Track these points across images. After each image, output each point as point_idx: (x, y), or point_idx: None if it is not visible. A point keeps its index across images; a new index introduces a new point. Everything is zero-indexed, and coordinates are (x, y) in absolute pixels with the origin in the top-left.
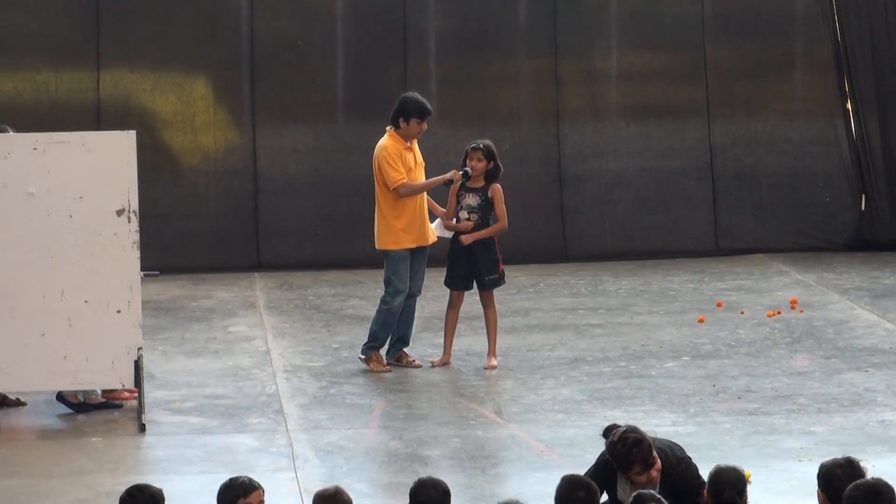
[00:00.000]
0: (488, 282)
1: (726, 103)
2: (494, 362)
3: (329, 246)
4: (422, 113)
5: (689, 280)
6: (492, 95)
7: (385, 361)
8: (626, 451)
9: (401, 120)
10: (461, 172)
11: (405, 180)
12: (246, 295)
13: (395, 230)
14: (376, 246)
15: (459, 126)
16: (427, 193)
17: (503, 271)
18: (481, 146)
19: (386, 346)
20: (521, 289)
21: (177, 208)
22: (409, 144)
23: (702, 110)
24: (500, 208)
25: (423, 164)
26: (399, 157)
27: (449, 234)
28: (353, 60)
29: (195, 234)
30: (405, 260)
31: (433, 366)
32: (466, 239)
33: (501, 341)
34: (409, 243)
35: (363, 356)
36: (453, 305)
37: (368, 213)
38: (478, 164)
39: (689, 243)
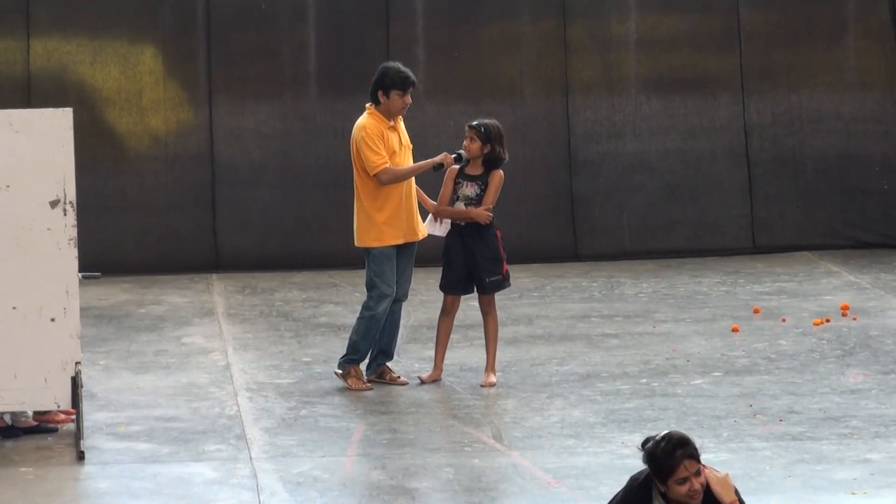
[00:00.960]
0: (489, 284)
1: (764, 74)
2: (493, 379)
3: (299, 243)
4: (404, 83)
5: (720, 282)
6: (489, 65)
7: (365, 377)
8: (670, 449)
9: (380, 93)
10: (454, 156)
11: (387, 165)
12: (202, 300)
13: (377, 224)
14: (356, 243)
15: (451, 101)
16: (416, 182)
17: (507, 272)
18: (475, 125)
19: (366, 360)
20: (523, 293)
21: (121, 200)
22: (392, 123)
23: (735, 82)
24: (489, 195)
25: (411, 145)
26: (380, 137)
27: (443, 233)
28: (327, 25)
29: (143, 229)
30: (390, 259)
31: (422, 382)
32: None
33: (502, 354)
34: (395, 239)
35: (340, 371)
36: (447, 312)
37: (345, 205)
38: (470, 146)
39: (720, 239)
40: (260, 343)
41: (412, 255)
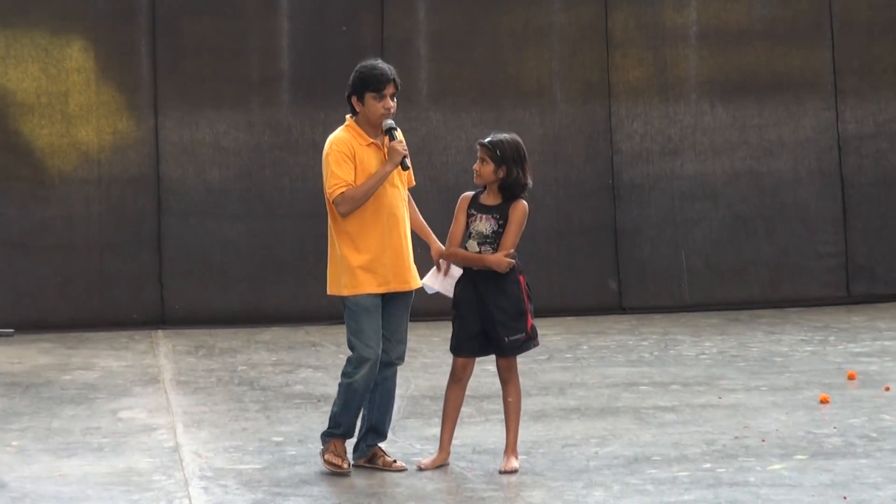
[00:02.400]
0: (509, 345)
1: (864, 73)
2: (515, 464)
3: (269, 290)
4: (378, 83)
5: (806, 340)
6: (511, 63)
7: (352, 459)
8: None
9: (354, 99)
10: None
11: (345, 189)
12: (144, 364)
13: (351, 267)
14: (328, 290)
15: (462, 108)
16: (416, 212)
17: (533, 329)
18: (487, 142)
19: (355, 438)
20: (554, 353)
21: (41, 236)
22: (374, 140)
23: (826, 85)
24: (509, 234)
25: (408, 169)
26: (350, 156)
27: (446, 290)
28: (304, 13)
29: (69, 272)
30: (370, 312)
31: (421, 469)
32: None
33: (526, 432)
34: (375, 286)
35: (322, 447)
36: (457, 379)
37: (327, 241)
38: (481, 169)
39: (806, 285)
40: (218, 418)
41: (407, 306)
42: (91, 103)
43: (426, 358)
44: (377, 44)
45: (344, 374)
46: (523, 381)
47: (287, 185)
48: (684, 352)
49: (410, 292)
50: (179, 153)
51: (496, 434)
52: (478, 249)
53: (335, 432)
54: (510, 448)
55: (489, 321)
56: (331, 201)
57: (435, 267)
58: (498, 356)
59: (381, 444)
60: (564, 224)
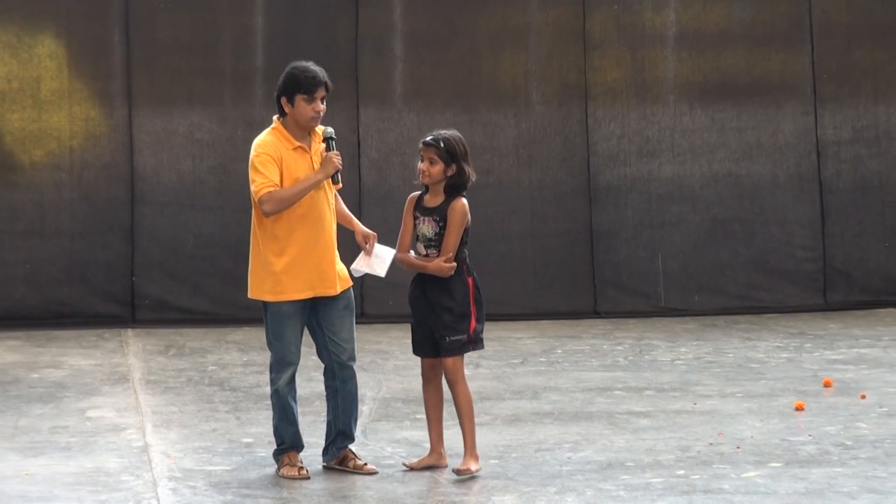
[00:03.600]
0: (449, 345)
1: (842, 78)
2: (473, 466)
3: (241, 289)
4: (310, 85)
5: (782, 347)
6: (486, 63)
7: (323, 462)
8: None
9: (284, 101)
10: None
11: (271, 189)
12: (113, 362)
13: (274, 272)
14: (249, 293)
15: (436, 109)
16: (342, 205)
17: (477, 331)
18: (432, 140)
19: (323, 442)
20: (527, 357)
21: (10, 225)
22: (301, 143)
23: (805, 89)
24: (449, 237)
25: (339, 182)
26: (275, 159)
27: (376, 270)
28: (279, 9)
29: (38, 266)
30: (292, 318)
31: (407, 468)
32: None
33: (498, 436)
34: (299, 292)
35: (276, 466)
36: (427, 379)
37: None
38: (429, 170)
39: (783, 291)
40: (187, 419)
41: (347, 306)
42: (63, 90)
43: (398, 360)
44: (351, 42)
45: (271, 382)
46: (494, 384)
47: None
48: (659, 357)
49: (348, 291)
50: (153, 143)
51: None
52: (425, 252)
53: (283, 448)
54: (468, 451)
55: (433, 321)
56: (256, 200)
57: (363, 251)
58: (442, 357)
59: (352, 447)
60: (539, 227)
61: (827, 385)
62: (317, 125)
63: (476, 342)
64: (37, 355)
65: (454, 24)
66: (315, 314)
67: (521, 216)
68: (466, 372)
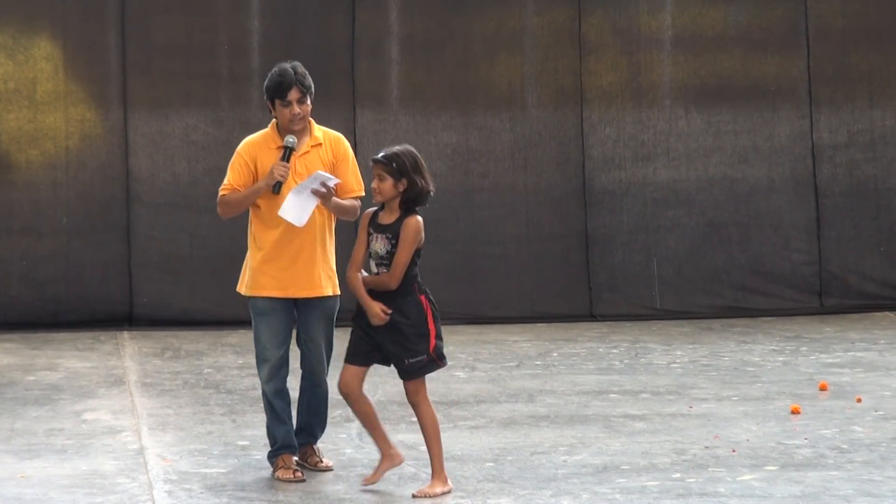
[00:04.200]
0: (409, 367)
1: (838, 82)
2: (439, 489)
3: (236, 283)
4: (279, 89)
5: (777, 350)
6: (482, 66)
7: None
8: None
9: (269, 105)
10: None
11: (226, 193)
12: (109, 365)
13: (251, 266)
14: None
15: (432, 113)
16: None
17: (437, 348)
18: (381, 157)
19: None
20: (523, 361)
21: (4, 227)
22: (292, 145)
23: (801, 92)
24: (400, 256)
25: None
26: (248, 159)
27: (295, 218)
28: (275, 12)
29: (33, 267)
30: (266, 315)
31: (369, 483)
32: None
33: (494, 439)
34: (270, 290)
35: (272, 468)
36: (351, 388)
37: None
38: (381, 186)
39: (778, 294)
40: (183, 421)
41: (322, 313)
42: (59, 91)
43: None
44: (347, 45)
45: (262, 381)
46: (492, 388)
47: None
48: (655, 360)
49: (325, 298)
50: (149, 145)
51: (463, 441)
52: (376, 270)
53: (277, 449)
54: (436, 474)
55: (390, 343)
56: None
57: (291, 194)
58: (403, 379)
59: (315, 445)
60: (534, 231)
61: (823, 388)
62: (300, 126)
63: (439, 359)
64: (32, 358)
65: (450, 27)
66: (297, 314)
67: (517, 219)
68: (462, 374)
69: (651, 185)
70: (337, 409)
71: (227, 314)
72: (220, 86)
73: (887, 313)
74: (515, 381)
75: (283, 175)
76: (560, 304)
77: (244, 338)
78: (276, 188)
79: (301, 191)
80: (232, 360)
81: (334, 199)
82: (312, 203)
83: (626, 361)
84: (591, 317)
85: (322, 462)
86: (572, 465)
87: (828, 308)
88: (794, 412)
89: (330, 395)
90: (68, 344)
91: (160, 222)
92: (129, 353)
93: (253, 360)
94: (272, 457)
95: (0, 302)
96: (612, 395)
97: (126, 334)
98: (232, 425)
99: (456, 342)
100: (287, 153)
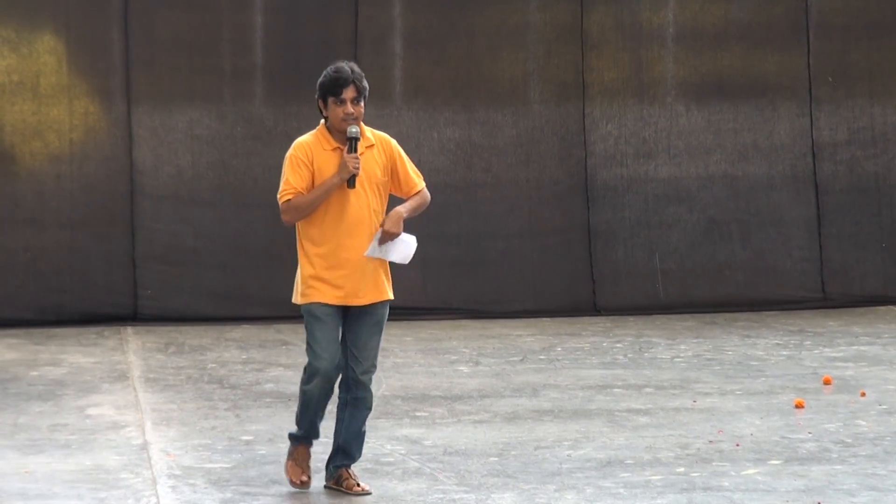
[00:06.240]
0: None
1: (839, 78)
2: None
3: (240, 284)
4: (335, 87)
5: (781, 344)
6: (485, 62)
7: (325, 480)
8: None
9: (321, 103)
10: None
11: (291, 197)
12: (113, 360)
13: (305, 276)
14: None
15: (436, 108)
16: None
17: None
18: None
19: (325, 457)
20: (527, 355)
21: (9, 218)
22: (342, 145)
23: (802, 89)
24: None
25: (382, 180)
26: (307, 161)
27: (393, 256)
28: (278, 6)
29: (37, 260)
30: (321, 321)
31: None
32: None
33: (498, 434)
34: (326, 297)
35: (289, 447)
36: None
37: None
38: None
39: (781, 288)
40: (187, 416)
41: (374, 321)
42: (63, 85)
43: (398, 358)
44: (351, 40)
45: (301, 382)
46: (496, 383)
47: (260, 174)
48: (659, 354)
49: (377, 305)
50: (153, 139)
51: (467, 435)
52: None
53: (297, 434)
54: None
55: None
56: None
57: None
58: None
59: (350, 468)
60: (537, 225)
61: (827, 382)
62: (351, 126)
63: None
64: (36, 353)
65: (453, 22)
66: (345, 323)
67: (519, 214)
68: (465, 369)
69: (653, 181)
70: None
71: (231, 308)
72: (223, 80)
73: (891, 307)
74: (519, 375)
75: (357, 167)
76: (563, 298)
77: (247, 332)
78: (352, 182)
79: (376, 250)
80: (236, 354)
81: (403, 212)
82: (394, 247)
83: (629, 356)
84: (595, 311)
85: (359, 486)
86: (576, 460)
87: (831, 301)
88: (798, 406)
89: None
90: (72, 339)
91: (164, 215)
92: (133, 348)
93: (257, 356)
94: (294, 443)
95: (5, 293)
96: (615, 390)
97: (130, 329)
98: (236, 420)
99: (459, 336)
100: (353, 144)
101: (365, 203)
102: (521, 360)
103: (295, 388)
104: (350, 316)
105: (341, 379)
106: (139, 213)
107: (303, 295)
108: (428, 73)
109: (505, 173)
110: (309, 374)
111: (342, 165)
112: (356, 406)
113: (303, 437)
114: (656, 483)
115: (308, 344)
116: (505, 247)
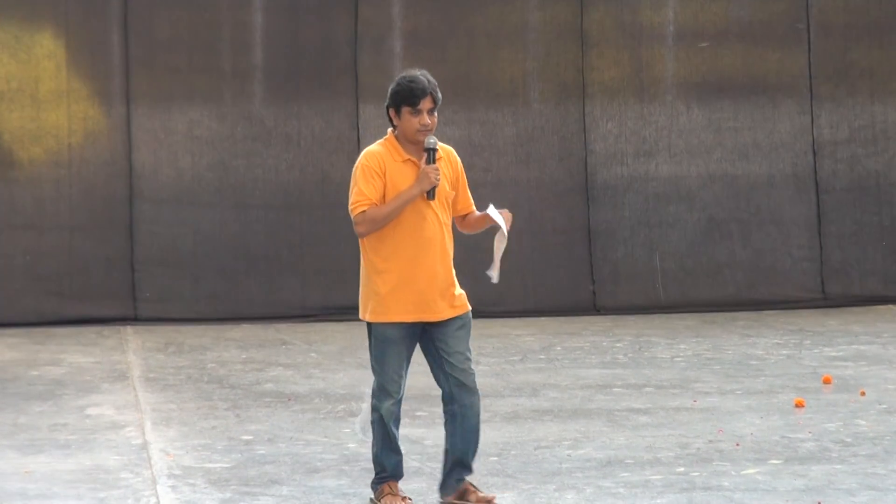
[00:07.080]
0: None
1: (840, 77)
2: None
3: (240, 285)
4: (413, 97)
5: (781, 343)
6: (484, 62)
7: (439, 497)
8: None
9: (392, 112)
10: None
11: (366, 208)
12: (113, 360)
13: (378, 293)
14: (360, 314)
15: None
16: (472, 217)
17: None
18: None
19: (439, 475)
20: (527, 354)
21: (9, 223)
22: (413, 157)
23: (802, 87)
24: None
25: (451, 193)
26: (380, 172)
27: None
28: (278, 6)
29: (37, 263)
30: (396, 344)
31: None
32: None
33: (497, 433)
34: (402, 315)
35: (372, 497)
36: None
37: (301, 233)
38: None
39: (781, 288)
40: (187, 416)
41: (462, 325)
42: (62, 89)
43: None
44: (350, 40)
45: (373, 408)
46: (496, 382)
47: (260, 175)
48: (659, 354)
49: (461, 315)
50: (152, 141)
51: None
52: None
53: (384, 476)
54: None
55: None
56: (351, 218)
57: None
58: None
59: (471, 479)
60: (537, 225)
61: (826, 382)
62: (424, 138)
63: None
64: (36, 353)
65: (453, 22)
66: (428, 334)
67: (519, 214)
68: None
69: (653, 180)
70: (340, 403)
71: (230, 309)
72: (223, 81)
73: (891, 306)
74: (519, 375)
75: (437, 178)
76: (563, 298)
77: (247, 332)
78: (431, 194)
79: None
80: (235, 354)
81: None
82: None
83: (629, 355)
84: (595, 311)
85: (486, 497)
86: (576, 460)
87: (831, 301)
88: (798, 406)
89: None
90: (72, 339)
91: (163, 218)
92: (133, 347)
93: (257, 355)
94: (377, 483)
95: (4, 297)
96: (615, 389)
97: (129, 329)
98: (235, 420)
99: None
100: (432, 155)
101: (436, 217)
102: (521, 359)
103: (295, 388)
104: (432, 328)
105: (442, 392)
106: (138, 217)
107: (373, 313)
108: (427, 72)
109: (505, 173)
110: (379, 396)
111: (422, 176)
112: (465, 415)
113: (387, 478)
114: (656, 483)
115: (378, 364)
116: (505, 246)
